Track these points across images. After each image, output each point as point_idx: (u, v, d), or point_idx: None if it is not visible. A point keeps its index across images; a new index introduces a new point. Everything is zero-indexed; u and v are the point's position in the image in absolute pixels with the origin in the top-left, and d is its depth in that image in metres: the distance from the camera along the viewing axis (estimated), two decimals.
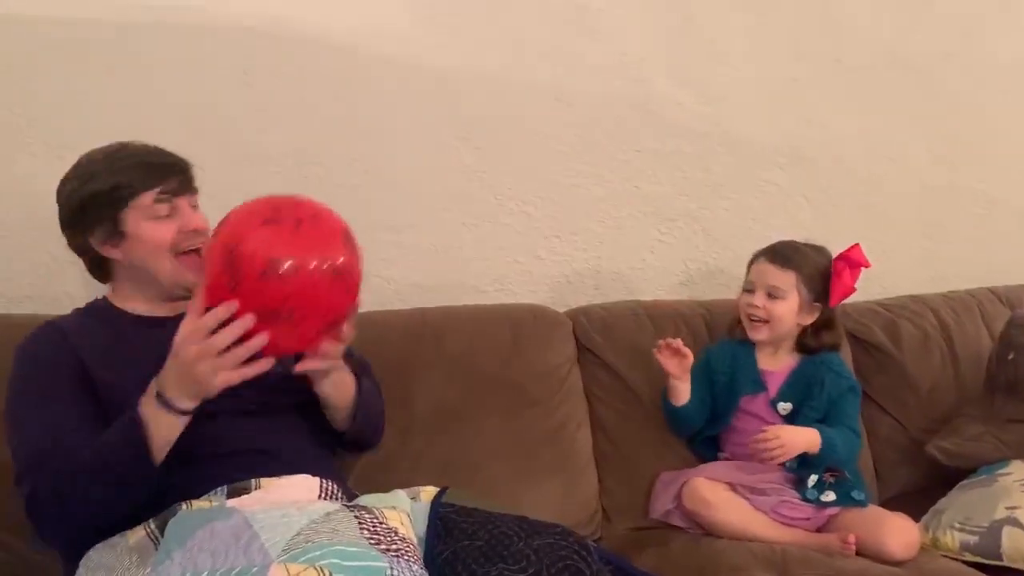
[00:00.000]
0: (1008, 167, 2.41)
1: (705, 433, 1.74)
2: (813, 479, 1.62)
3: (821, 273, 1.68)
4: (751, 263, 1.74)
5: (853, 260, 1.67)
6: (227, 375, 1.07)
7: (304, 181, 1.79)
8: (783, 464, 1.63)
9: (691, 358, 1.67)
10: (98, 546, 1.15)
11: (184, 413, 1.11)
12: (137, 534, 1.12)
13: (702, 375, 1.73)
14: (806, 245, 1.73)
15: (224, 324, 1.05)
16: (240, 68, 1.74)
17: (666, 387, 1.70)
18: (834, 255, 1.71)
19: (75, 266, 1.36)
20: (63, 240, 1.32)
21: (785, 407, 1.67)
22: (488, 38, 1.92)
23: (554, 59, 1.96)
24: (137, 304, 1.31)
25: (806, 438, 1.58)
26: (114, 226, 1.25)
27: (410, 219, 1.88)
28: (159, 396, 1.10)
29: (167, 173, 1.27)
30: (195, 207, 1.31)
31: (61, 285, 1.66)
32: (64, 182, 1.28)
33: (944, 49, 2.31)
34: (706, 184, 2.10)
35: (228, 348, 1.06)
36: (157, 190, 1.25)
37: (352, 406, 1.32)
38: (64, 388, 1.21)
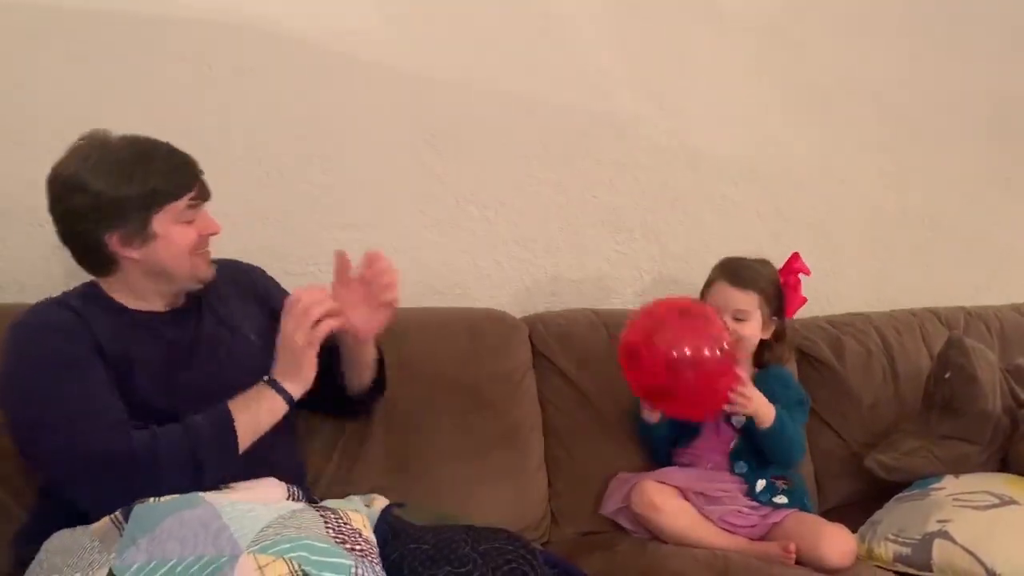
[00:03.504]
0: (953, 193, 2.50)
1: (676, 446, 1.76)
2: (762, 484, 1.67)
3: (776, 289, 1.73)
4: (709, 284, 1.75)
5: (797, 269, 1.73)
6: (310, 334, 1.25)
7: (266, 177, 1.78)
8: (734, 469, 1.68)
9: None
10: (60, 532, 1.14)
11: (288, 400, 1.26)
12: (100, 520, 1.10)
13: None
14: (754, 260, 1.76)
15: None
16: (203, 62, 1.72)
17: (641, 408, 1.71)
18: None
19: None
20: None
21: (739, 419, 1.70)
22: (456, 43, 1.93)
23: (520, 67, 1.98)
24: (136, 299, 1.31)
25: (766, 405, 1.61)
26: (142, 228, 1.24)
27: (371, 219, 1.88)
28: (270, 381, 1.26)
29: (195, 177, 1.29)
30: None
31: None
32: (85, 175, 1.21)
33: (897, 76, 2.39)
34: (663, 197, 2.14)
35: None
36: (190, 195, 1.27)
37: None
38: (97, 360, 1.20)
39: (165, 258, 1.27)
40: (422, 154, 1.92)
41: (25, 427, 1.17)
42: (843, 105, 2.34)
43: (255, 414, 1.24)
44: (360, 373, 1.48)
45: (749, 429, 1.67)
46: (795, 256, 1.74)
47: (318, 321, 1.26)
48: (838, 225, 2.35)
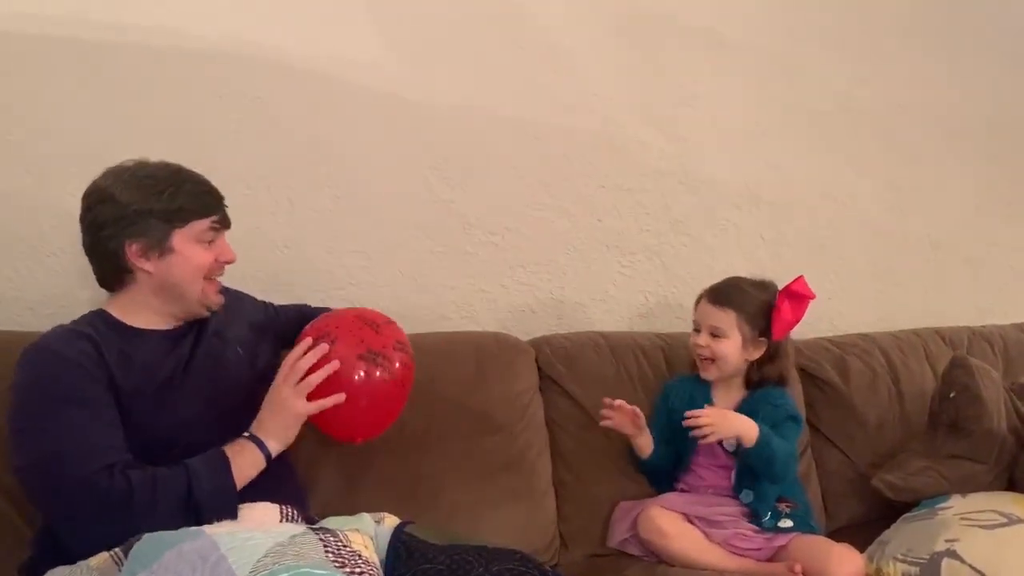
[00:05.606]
0: (952, 215, 2.52)
1: (676, 470, 1.77)
2: (768, 515, 1.67)
3: (763, 310, 1.70)
4: (696, 303, 1.77)
5: (796, 293, 1.70)
6: (306, 404, 1.29)
7: (276, 204, 1.81)
8: (738, 497, 1.68)
9: (642, 415, 1.70)
10: (56, 569, 1.14)
11: (267, 455, 1.28)
12: (99, 556, 1.12)
13: (662, 412, 1.77)
14: (749, 282, 1.75)
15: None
16: (214, 91, 1.76)
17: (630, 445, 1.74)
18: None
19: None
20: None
21: (730, 443, 1.70)
22: (461, 71, 1.96)
23: (525, 94, 2.01)
24: (144, 317, 1.34)
25: (742, 424, 1.60)
26: (162, 241, 1.29)
27: (379, 245, 1.91)
28: (251, 436, 1.29)
29: (221, 205, 1.37)
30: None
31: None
32: (116, 188, 1.29)
33: (897, 100, 2.42)
34: (667, 221, 2.17)
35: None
36: (213, 219, 1.34)
37: None
38: (108, 398, 1.23)
39: (178, 275, 1.31)
40: (429, 181, 1.94)
41: (31, 456, 1.18)
42: (844, 129, 2.36)
43: (241, 467, 1.25)
44: None
45: (741, 452, 1.67)
46: (798, 279, 1.70)
47: (304, 376, 1.30)
48: (841, 247, 2.37)
